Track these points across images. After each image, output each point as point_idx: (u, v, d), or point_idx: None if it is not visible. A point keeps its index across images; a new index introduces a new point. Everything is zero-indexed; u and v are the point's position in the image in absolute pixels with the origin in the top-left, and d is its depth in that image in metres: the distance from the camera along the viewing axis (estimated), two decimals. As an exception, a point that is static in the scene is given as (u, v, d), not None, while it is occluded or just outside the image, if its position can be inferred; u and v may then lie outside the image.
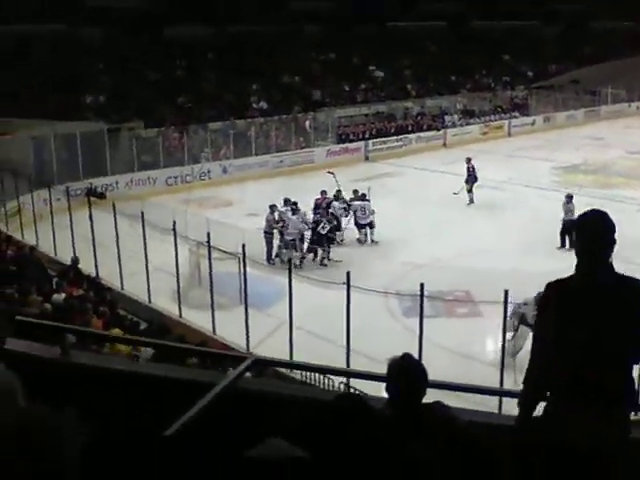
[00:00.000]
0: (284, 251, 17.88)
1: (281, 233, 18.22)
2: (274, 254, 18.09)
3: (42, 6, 30.59)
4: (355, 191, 20.43)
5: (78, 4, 32.71)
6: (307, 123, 32.46)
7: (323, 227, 18.20)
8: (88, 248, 16.13)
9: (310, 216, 18.89)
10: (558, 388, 2.87)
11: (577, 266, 2.86)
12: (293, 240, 18.02)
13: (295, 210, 18.42)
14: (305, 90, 36.56)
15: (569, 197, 19.54)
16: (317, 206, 19.38)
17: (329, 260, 18.09)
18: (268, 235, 18.15)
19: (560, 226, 18.82)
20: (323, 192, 19.98)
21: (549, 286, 2.92)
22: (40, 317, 9.53)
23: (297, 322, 12.53)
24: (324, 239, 18.28)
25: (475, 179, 23.73)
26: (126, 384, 3.98)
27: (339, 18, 41.87)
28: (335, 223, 18.94)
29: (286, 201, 19.11)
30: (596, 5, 50.27)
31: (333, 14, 42.03)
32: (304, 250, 18.32)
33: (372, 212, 19.56)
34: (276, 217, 18.51)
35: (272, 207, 18.64)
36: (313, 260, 18.29)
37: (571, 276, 2.87)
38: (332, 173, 20.53)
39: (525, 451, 2.94)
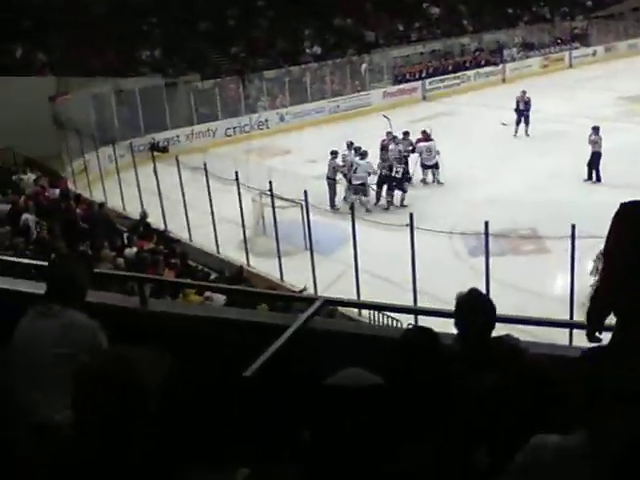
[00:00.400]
0: (353, 196, 17.73)
1: (348, 178, 18.09)
2: (339, 199, 18.01)
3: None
4: (423, 131, 19.99)
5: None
6: (363, 67, 32.06)
7: (397, 171, 18.02)
8: (155, 202, 16.46)
9: (376, 159, 18.67)
10: (626, 313, 2.88)
11: None
12: (362, 184, 17.91)
13: (363, 154, 18.16)
14: (358, 32, 36.00)
15: (596, 129, 19.17)
16: (384, 147, 19.10)
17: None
18: (331, 181, 18.09)
19: (588, 158, 18.67)
20: (389, 133, 19.75)
21: (623, 206, 2.90)
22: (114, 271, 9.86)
23: (363, 266, 12.63)
24: (403, 181, 18.17)
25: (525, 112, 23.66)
26: (204, 329, 4.13)
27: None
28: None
29: (349, 145, 18.86)
30: None
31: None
32: (379, 193, 18.22)
33: (437, 153, 19.30)
34: (340, 162, 18.36)
35: (334, 152, 18.52)
36: (388, 203, 18.16)
37: None
38: (387, 117, 20.31)
39: (591, 381, 2.98)
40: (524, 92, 24.39)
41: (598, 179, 18.65)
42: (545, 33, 39.38)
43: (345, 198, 18.01)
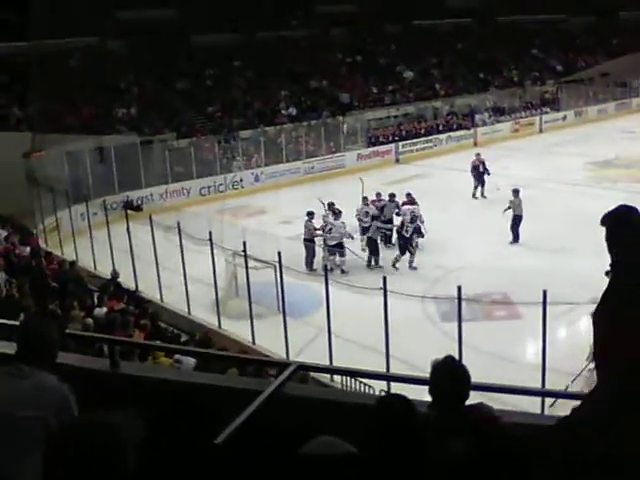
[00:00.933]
0: (331, 257, 17.79)
1: (323, 239, 18.14)
2: (317, 261, 17.93)
3: (74, 20, 31.03)
4: (408, 194, 20.07)
5: (108, 17, 33.22)
6: (345, 127, 32.57)
7: (406, 230, 18.10)
8: (127, 261, 16.36)
9: (353, 220, 18.95)
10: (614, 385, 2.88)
11: (612, 264, 2.80)
12: (338, 244, 17.95)
13: (337, 214, 18.31)
14: (333, 94, 36.65)
15: (516, 191, 19.66)
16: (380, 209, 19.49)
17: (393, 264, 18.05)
18: (308, 242, 18.16)
19: (510, 221, 19.22)
20: (378, 194, 20.12)
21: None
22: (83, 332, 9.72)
23: (335, 329, 12.58)
24: (411, 241, 18.20)
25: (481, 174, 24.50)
26: (175, 393, 4.07)
27: (364, 20, 41.93)
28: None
29: (330, 205, 18.87)
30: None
31: (358, 16, 42.08)
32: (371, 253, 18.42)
33: (422, 221, 18.85)
34: (315, 224, 18.42)
35: (310, 213, 18.57)
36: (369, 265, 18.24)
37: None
38: (362, 180, 20.48)
39: (567, 448, 2.97)
40: (478, 154, 25.32)
41: (516, 240, 19.09)
42: (516, 98, 40.32)
43: (323, 258, 18.03)
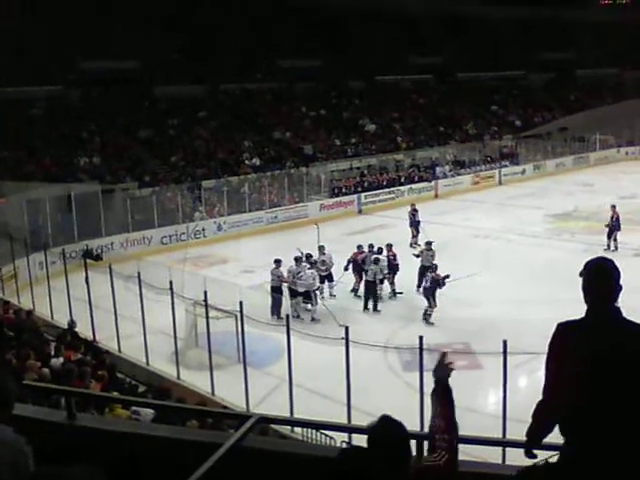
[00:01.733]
0: (302, 304, 17.91)
1: (290, 287, 18.15)
2: (284, 309, 17.76)
3: (37, 69, 31.07)
4: (388, 245, 20.27)
5: (71, 66, 33.31)
6: (323, 177, 33.18)
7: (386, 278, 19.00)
8: (85, 311, 16.10)
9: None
10: (575, 433, 2.94)
11: (588, 310, 3.00)
12: (307, 292, 18.00)
13: (313, 264, 18.60)
14: (297, 145, 36.98)
15: (428, 243, 20.14)
16: (354, 261, 19.67)
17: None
18: (275, 290, 18.18)
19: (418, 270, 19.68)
20: (359, 247, 20.22)
21: (560, 327, 3.02)
22: (39, 382, 9.49)
23: (297, 380, 12.45)
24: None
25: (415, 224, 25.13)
26: (133, 446, 3.98)
27: (328, 75, 42.67)
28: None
29: (301, 257, 18.82)
30: (581, 53, 51.46)
31: (322, 71, 42.81)
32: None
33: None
34: (283, 272, 18.39)
35: (277, 261, 18.54)
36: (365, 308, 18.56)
37: (582, 319, 3.00)
38: (317, 226, 20.52)
39: None
40: (412, 205, 26.30)
41: (419, 285, 19.35)
42: (476, 151, 41.10)
43: (291, 306, 18.02)
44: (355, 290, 19.73)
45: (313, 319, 17.62)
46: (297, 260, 18.49)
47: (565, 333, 3.00)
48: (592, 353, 2.90)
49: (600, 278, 3.02)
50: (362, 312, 18.24)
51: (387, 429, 2.91)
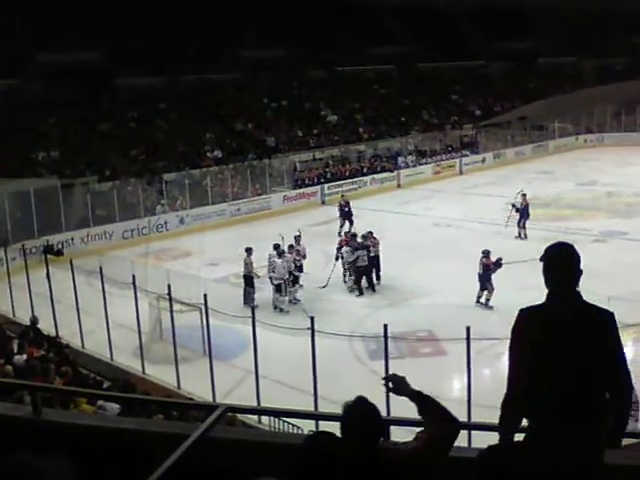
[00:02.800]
0: (278, 297, 17.92)
1: (269, 277, 18.20)
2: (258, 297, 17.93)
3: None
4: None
5: (29, 59, 32.75)
6: (286, 169, 33.14)
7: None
8: (47, 307, 15.91)
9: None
10: (535, 413, 3.00)
11: (548, 295, 3.04)
12: (279, 284, 18.02)
13: (281, 253, 18.42)
14: (259, 137, 36.86)
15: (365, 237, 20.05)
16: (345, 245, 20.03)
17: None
18: (247, 278, 18.24)
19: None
20: (347, 233, 21.10)
21: (522, 312, 3.07)
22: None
23: (263, 371, 12.45)
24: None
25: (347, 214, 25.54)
26: (100, 439, 3.96)
27: (290, 65, 42.58)
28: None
29: (290, 247, 19.02)
30: (540, 42, 51.99)
31: (284, 61, 42.70)
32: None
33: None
34: (253, 260, 18.46)
35: (248, 250, 18.54)
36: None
37: (543, 304, 3.04)
38: (282, 237, 20.24)
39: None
40: (343, 195, 26.95)
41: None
42: (437, 141, 41.35)
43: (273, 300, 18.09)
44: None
45: (281, 310, 17.63)
46: (276, 248, 18.57)
47: (527, 319, 3.05)
48: (553, 336, 2.95)
49: (560, 263, 3.07)
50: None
51: (362, 409, 2.95)
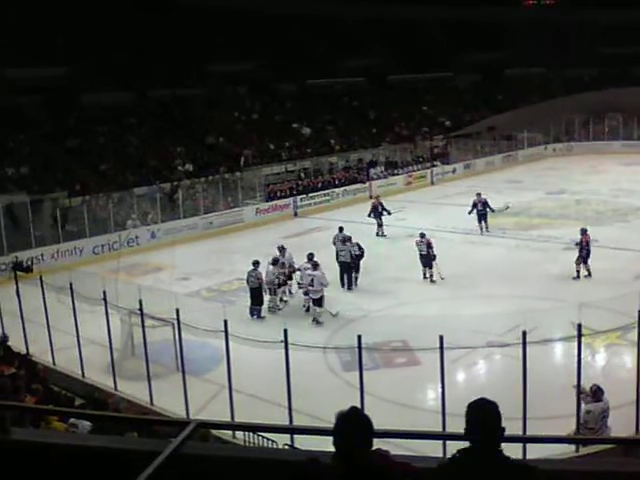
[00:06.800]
0: (317, 309, 17.64)
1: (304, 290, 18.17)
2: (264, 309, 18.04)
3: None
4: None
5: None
6: (258, 182, 32.97)
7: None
8: (17, 324, 15.66)
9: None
10: None
11: (471, 449, 3.01)
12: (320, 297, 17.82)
13: (316, 266, 18.09)
14: (231, 150, 36.78)
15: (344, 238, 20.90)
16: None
17: None
18: (254, 291, 18.15)
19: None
20: (340, 228, 21.60)
21: (440, 467, 3.07)
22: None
23: (237, 385, 12.34)
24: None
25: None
26: (71, 458, 3.89)
27: (260, 79, 42.65)
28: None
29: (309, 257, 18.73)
30: (508, 53, 52.62)
31: (254, 75, 42.75)
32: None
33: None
34: (263, 272, 18.27)
35: (256, 263, 18.30)
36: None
37: (463, 457, 3.01)
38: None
39: None
40: (378, 196, 27.94)
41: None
42: (408, 152, 41.57)
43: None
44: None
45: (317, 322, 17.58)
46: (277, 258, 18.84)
47: (447, 473, 3.04)
48: None
49: (483, 420, 3.03)
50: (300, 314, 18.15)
51: (355, 417, 2.97)
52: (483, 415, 3.01)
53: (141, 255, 25.47)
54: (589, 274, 19.86)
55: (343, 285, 19.88)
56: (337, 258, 20.28)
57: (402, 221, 28.15)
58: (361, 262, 20.34)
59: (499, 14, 53.75)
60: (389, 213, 26.81)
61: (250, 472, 3.33)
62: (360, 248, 20.30)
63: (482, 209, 25.69)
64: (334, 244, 20.84)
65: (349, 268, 20.08)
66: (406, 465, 2.98)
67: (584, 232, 20.37)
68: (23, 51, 32.30)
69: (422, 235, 20.82)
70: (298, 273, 18.70)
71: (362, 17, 48.36)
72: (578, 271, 19.79)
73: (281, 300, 18.70)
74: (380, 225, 26.38)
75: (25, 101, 33.13)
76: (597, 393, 10.75)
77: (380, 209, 26.65)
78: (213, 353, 14.32)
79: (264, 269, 18.44)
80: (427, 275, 20.33)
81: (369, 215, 26.61)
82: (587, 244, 20.13)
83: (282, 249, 19.77)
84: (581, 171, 39.34)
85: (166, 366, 14.15)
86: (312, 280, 17.66)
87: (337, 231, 21.49)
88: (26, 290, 16.43)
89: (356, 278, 20.22)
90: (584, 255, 19.96)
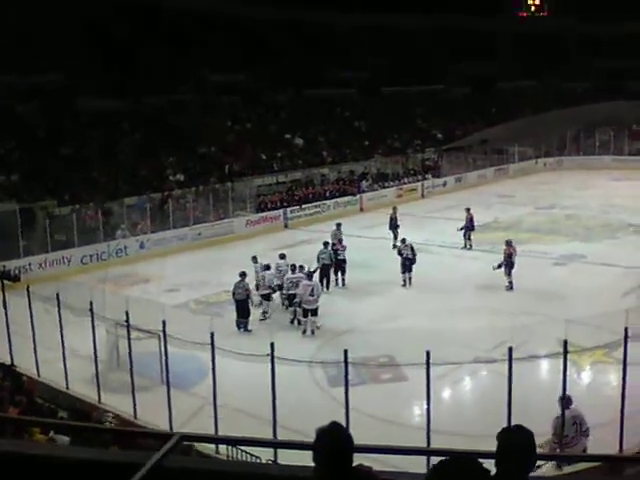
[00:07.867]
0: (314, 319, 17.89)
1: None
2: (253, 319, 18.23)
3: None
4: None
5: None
6: (248, 193, 33.06)
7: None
8: (2, 334, 15.55)
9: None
10: None
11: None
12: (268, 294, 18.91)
13: (267, 267, 19.30)
14: (222, 160, 36.74)
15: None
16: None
17: None
18: (241, 302, 18.23)
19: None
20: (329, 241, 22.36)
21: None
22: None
23: (222, 399, 12.26)
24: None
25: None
26: (52, 469, 3.86)
27: (253, 88, 42.72)
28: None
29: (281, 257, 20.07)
30: (500, 66, 52.93)
31: (248, 85, 42.83)
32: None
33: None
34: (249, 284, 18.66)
35: (243, 274, 18.48)
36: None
37: None
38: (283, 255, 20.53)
39: None
40: (395, 207, 27.96)
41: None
42: (399, 165, 41.62)
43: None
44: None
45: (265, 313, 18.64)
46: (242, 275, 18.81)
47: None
48: None
49: (517, 447, 2.88)
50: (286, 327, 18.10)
51: (335, 432, 2.96)
52: (519, 442, 2.88)
53: (129, 266, 25.29)
54: (511, 287, 20.27)
55: (322, 286, 19.98)
56: (317, 260, 20.92)
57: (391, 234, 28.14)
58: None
59: (492, 26, 54.11)
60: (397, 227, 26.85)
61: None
62: (413, 250, 21.40)
63: (469, 225, 25.71)
64: (332, 243, 22.01)
65: (329, 270, 21.01)
66: None
67: (509, 243, 20.95)
68: (16, 56, 32.22)
69: (403, 241, 21.99)
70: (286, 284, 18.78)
71: (355, 28, 48.61)
72: (510, 282, 20.32)
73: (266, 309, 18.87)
74: (396, 237, 25.87)
75: (20, 107, 33.06)
76: (565, 401, 10.73)
77: (395, 221, 26.96)
78: (199, 366, 14.22)
79: (264, 270, 19.08)
80: (405, 280, 20.93)
81: (389, 228, 26.76)
82: (510, 256, 20.62)
83: (283, 256, 20.06)
84: (572, 186, 39.46)
85: (151, 378, 14.06)
86: (312, 290, 17.82)
87: (334, 227, 23.79)
88: (13, 299, 16.31)
89: (343, 280, 21.47)
90: (509, 266, 20.44)
